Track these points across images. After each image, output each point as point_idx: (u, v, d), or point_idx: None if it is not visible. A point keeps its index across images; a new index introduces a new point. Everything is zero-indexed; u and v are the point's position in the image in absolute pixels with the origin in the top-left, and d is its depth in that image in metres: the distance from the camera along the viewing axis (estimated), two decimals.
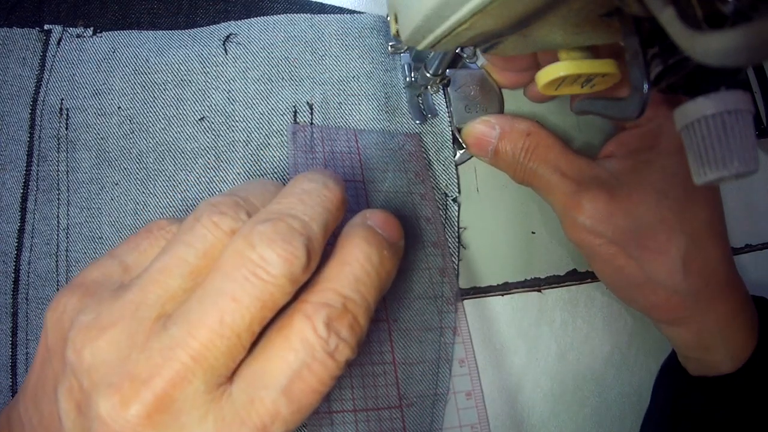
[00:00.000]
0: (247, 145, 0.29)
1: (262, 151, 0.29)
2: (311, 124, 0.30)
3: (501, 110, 0.33)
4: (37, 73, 0.30)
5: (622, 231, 0.27)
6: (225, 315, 0.17)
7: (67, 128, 0.29)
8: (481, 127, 0.30)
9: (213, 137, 0.29)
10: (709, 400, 0.29)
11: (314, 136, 0.29)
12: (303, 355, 0.18)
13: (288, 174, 0.29)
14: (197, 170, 0.29)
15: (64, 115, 0.29)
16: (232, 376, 0.18)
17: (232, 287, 0.17)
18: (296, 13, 0.32)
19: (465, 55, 0.32)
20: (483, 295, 0.32)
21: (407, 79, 0.31)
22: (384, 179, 0.29)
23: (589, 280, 0.34)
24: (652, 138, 0.28)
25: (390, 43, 0.30)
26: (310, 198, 0.19)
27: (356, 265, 0.19)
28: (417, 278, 0.28)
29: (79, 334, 0.18)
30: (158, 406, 0.17)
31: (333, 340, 0.18)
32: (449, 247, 0.30)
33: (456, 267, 0.30)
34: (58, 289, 0.27)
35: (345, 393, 0.25)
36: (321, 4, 0.33)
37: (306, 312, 0.18)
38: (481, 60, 0.33)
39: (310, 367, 0.18)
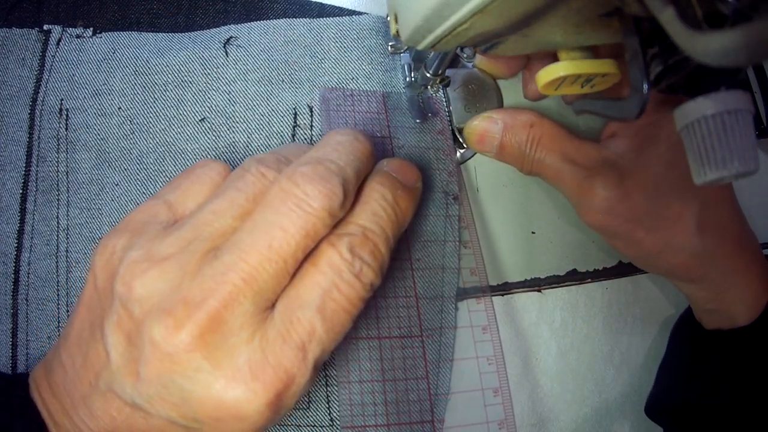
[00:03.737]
0: (247, 146, 0.29)
1: (262, 152, 0.29)
2: (311, 126, 0.30)
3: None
4: (36, 73, 0.29)
5: (637, 207, 0.28)
6: (273, 241, 0.19)
7: (66, 129, 0.29)
8: (484, 124, 0.30)
9: (213, 138, 0.29)
10: (724, 352, 0.30)
11: (344, 98, 0.30)
12: (331, 276, 0.20)
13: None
14: None
15: (64, 116, 0.29)
16: (274, 303, 0.20)
17: (279, 218, 0.19)
18: (296, 12, 0.32)
19: (464, 55, 0.32)
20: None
21: (407, 79, 0.31)
22: (408, 136, 0.31)
23: (589, 280, 0.34)
24: (654, 114, 0.28)
25: (390, 43, 0.30)
26: (343, 147, 0.22)
27: (373, 203, 0.22)
28: (437, 224, 0.30)
29: (128, 268, 0.19)
30: (210, 327, 0.18)
31: (357, 262, 0.20)
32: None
33: (457, 265, 0.30)
34: (57, 290, 0.27)
35: (371, 322, 0.28)
36: (321, 3, 0.33)
37: (331, 241, 0.20)
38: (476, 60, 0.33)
39: (339, 287, 0.20)
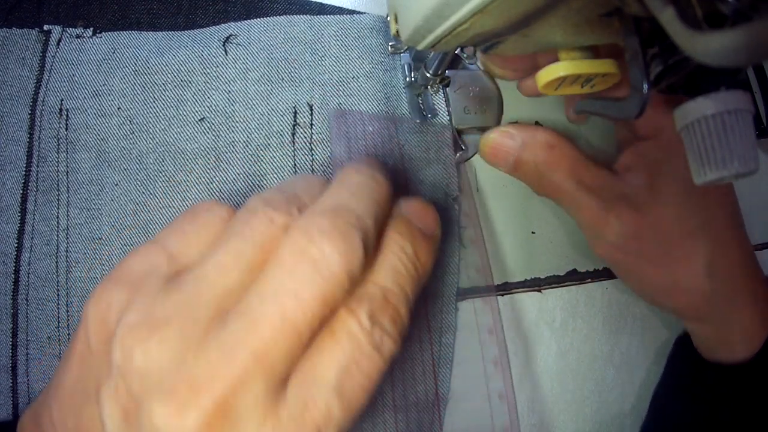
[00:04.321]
0: (247, 145, 0.29)
1: (262, 152, 0.29)
2: (311, 125, 0.30)
3: (500, 112, 0.33)
4: (36, 73, 0.29)
5: (649, 244, 0.27)
6: (287, 311, 0.16)
7: (66, 129, 0.29)
8: (500, 138, 0.29)
9: (213, 138, 0.29)
10: (725, 382, 0.30)
11: (355, 122, 0.29)
12: (350, 350, 0.17)
13: (288, 175, 0.29)
14: (197, 171, 0.29)
15: (64, 116, 0.29)
16: (287, 377, 0.18)
17: (294, 283, 0.17)
18: (296, 12, 0.32)
19: (465, 56, 0.32)
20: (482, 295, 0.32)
21: (407, 79, 0.31)
22: (408, 136, 0.30)
23: (589, 280, 0.34)
24: (668, 148, 0.28)
25: (390, 43, 0.30)
26: (361, 191, 0.19)
27: (392, 257, 0.19)
28: (453, 273, 0.29)
29: (127, 335, 0.17)
30: (218, 413, 0.16)
31: (377, 332, 0.18)
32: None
33: (457, 266, 0.30)
34: (57, 290, 0.27)
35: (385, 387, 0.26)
36: (321, 4, 0.33)
37: (350, 306, 0.18)
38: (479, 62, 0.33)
39: (358, 363, 0.18)
